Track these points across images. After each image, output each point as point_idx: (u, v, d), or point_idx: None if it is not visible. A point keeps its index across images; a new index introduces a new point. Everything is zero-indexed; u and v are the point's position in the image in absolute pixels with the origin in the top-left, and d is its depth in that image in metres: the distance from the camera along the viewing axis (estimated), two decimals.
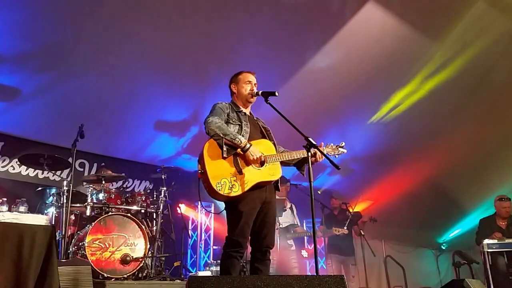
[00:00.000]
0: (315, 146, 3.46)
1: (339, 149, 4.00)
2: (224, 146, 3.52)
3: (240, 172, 3.54)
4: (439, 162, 8.97)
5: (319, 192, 8.58)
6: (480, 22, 6.16)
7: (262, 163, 3.63)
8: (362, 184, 9.67)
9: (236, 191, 3.48)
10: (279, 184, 3.89)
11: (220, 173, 3.49)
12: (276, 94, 3.72)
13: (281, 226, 7.01)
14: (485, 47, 6.59)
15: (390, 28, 6.12)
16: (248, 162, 3.60)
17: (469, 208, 10.19)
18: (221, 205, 3.91)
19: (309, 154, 3.45)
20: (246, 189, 3.51)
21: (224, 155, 3.51)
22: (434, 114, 7.98)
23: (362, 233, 7.52)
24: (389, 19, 5.95)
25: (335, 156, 3.97)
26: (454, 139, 8.34)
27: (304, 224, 8.54)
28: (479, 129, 8.16)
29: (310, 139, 3.43)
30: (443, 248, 11.86)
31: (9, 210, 3.80)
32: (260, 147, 3.68)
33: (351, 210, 7.85)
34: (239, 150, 3.58)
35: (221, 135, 3.55)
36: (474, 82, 7.28)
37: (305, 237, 8.58)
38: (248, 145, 3.54)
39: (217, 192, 3.43)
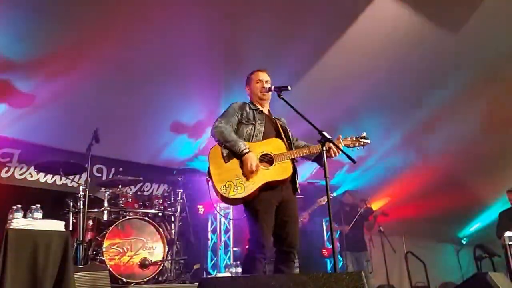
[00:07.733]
0: (330, 140, 3.39)
1: (361, 140, 3.85)
2: (223, 151, 3.62)
3: (246, 173, 3.54)
4: (458, 156, 8.84)
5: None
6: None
7: (270, 163, 3.63)
8: (380, 181, 9.56)
9: (241, 193, 3.49)
10: (297, 185, 3.81)
11: (225, 176, 3.55)
12: (289, 88, 3.67)
13: None
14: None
15: (404, 20, 6.01)
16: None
17: (488, 201, 10.04)
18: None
19: (324, 149, 3.37)
20: (252, 189, 3.51)
21: (225, 160, 3.60)
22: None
23: (382, 230, 7.41)
24: (402, 10, 5.84)
25: (357, 149, 3.86)
26: (472, 132, 8.18)
27: (323, 223, 8.45)
28: (498, 121, 7.99)
29: (325, 133, 3.35)
30: (464, 242, 11.72)
31: (24, 216, 3.78)
32: (268, 147, 3.69)
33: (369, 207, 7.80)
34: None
35: (222, 141, 3.64)
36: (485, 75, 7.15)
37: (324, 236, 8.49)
38: (244, 152, 3.56)
39: (223, 195, 3.48)
